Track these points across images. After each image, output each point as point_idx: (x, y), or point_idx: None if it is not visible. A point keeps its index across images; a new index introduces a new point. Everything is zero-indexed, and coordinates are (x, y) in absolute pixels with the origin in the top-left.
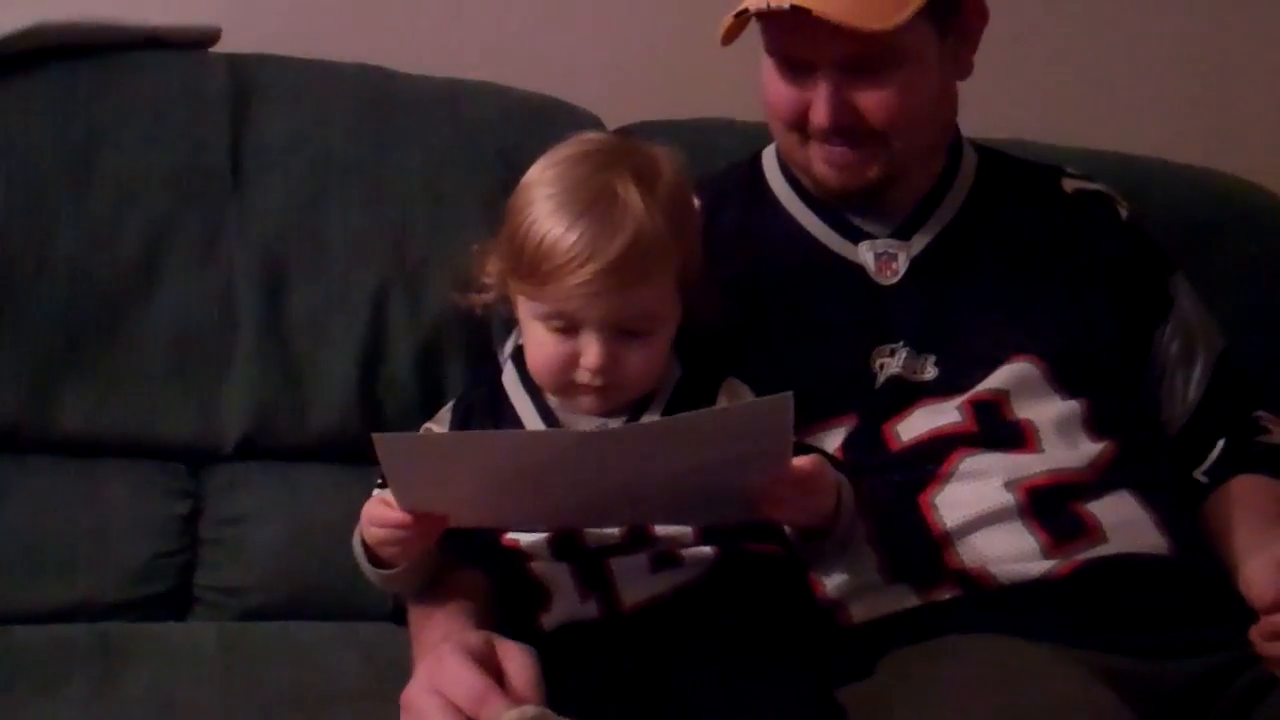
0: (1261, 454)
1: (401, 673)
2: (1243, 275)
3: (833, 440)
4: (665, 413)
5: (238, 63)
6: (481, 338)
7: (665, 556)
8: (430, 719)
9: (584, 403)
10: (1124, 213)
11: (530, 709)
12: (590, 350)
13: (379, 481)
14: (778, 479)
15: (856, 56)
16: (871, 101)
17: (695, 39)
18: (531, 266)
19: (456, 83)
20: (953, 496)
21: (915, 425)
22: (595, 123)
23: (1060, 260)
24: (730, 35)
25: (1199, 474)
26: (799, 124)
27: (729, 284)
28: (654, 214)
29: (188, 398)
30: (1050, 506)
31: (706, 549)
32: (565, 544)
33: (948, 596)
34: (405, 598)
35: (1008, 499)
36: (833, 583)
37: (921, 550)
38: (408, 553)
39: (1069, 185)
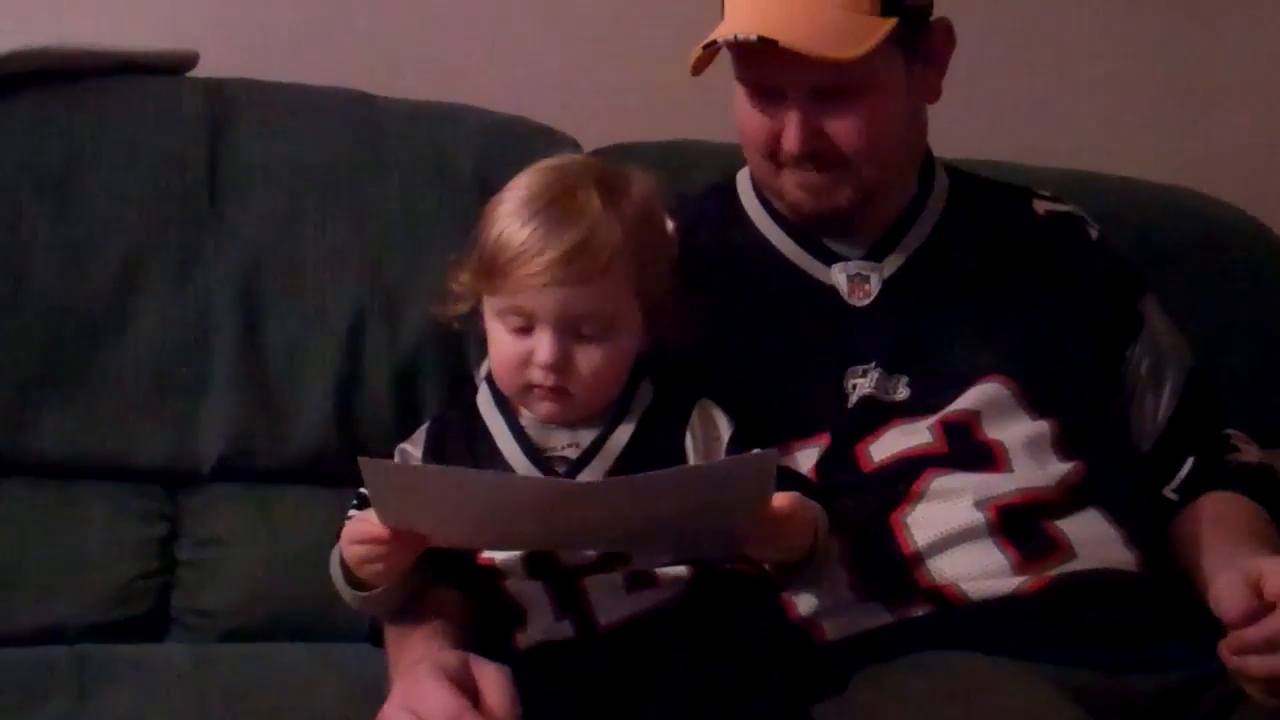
0: (1232, 471)
1: (379, 694)
2: (1213, 295)
3: (805, 460)
4: (636, 432)
5: (215, 87)
6: (458, 359)
7: (640, 576)
8: None
9: (542, 409)
10: (1094, 233)
11: None
12: (542, 346)
13: (355, 502)
14: (757, 520)
15: (825, 84)
16: (841, 128)
17: (672, 62)
18: (490, 261)
19: (434, 106)
20: (924, 516)
21: (887, 445)
22: (573, 145)
23: (1031, 281)
24: (700, 66)
25: (1169, 491)
26: (771, 150)
27: (703, 304)
28: (611, 219)
29: (165, 420)
30: (1020, 525)
31: (681, 569)
32: (539, 562)
33: (919, 614)
34: (382, 619)
35: (978, 518)
36: (806, 601)
37: (893, 569)
38: (388, 572)
39: (1040, 207)
